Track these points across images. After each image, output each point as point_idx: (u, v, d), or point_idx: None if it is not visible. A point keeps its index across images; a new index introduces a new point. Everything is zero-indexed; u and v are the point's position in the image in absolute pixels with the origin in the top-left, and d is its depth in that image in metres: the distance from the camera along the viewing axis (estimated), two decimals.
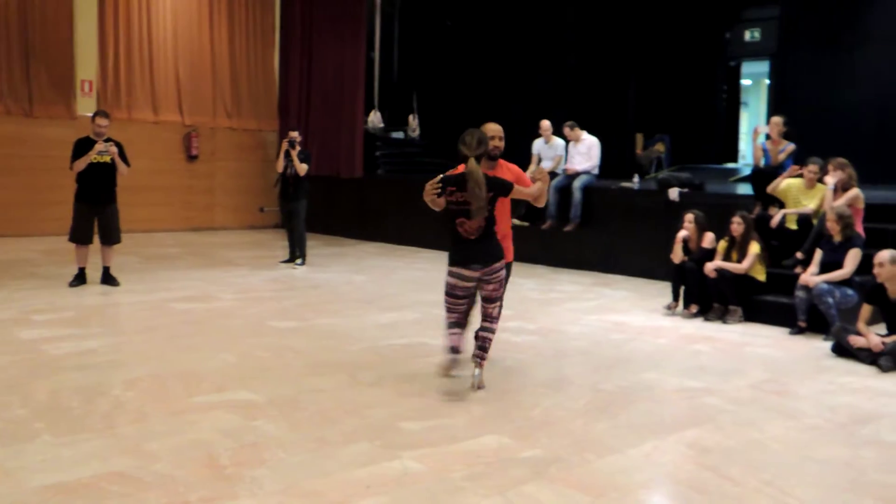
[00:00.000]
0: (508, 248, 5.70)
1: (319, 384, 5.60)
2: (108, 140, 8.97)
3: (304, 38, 16.54)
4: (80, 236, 9.09)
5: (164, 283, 9.53)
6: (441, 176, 5.26)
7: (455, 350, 5.46)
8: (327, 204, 15.49)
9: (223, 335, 7.08)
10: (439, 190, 5.27)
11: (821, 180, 8.54)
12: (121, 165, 9.04)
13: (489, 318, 5.57)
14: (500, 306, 5.71)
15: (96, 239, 9.18)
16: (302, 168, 11.00)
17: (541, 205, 5.87)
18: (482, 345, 5.54)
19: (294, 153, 11.01)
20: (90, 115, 9.54)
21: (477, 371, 5.52)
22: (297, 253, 11.38)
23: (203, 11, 15.83)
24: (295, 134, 11.30)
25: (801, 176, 8.72)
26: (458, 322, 5.51)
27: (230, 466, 4.08)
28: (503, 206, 5.63)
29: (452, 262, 5.40)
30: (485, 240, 5.33)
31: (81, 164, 8.87)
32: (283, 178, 11.22)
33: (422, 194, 5.38)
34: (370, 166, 15.94)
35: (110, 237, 9.19)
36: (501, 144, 5.68)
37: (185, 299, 8.60)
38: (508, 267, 5.70)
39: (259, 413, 4.93)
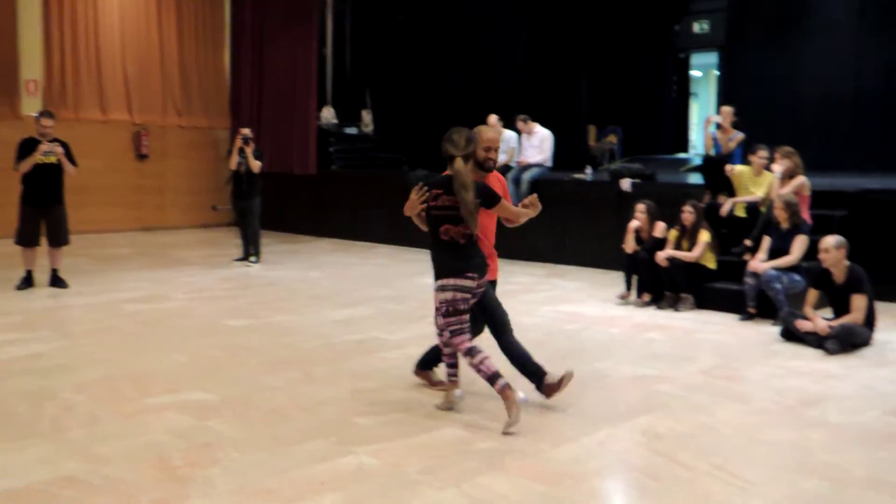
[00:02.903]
0: (493, 267, 5.12)
1: (273, 382, 5.57)
2: (53, 140, 8.80)
3: (255, 35, 16.36)
4: (26, 239, 8.91)
5: (114, 285, 9.39)
6: (422, 183, 4.74)
7: (498, 375, 4.67)
8: (281, 201, 15.37)
9: (175, 335, 7.00)
10: (426, 197, 4.71)
11: (768, 168, 8.69)
12: (67, 166, 8.88)
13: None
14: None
15: (44, 241, 9.00)
16: (256, 165, 10.90)
17: (513, 225, 5.17)
18: (456, 362, 5.01)
19: (248, 150, 10.91)
20: (35, 115, 9.34)
21: (457, 392, 5.05)
22: (251, 251, 11.28)
23: (151, 8, 15.57)
24: (248, 131, 11.21)
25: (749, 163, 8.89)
26: (476, 345, 4.77)
27: (182, 467, 4.04)
28: (489, 221, 5.06)
29: (446, 273, 4.71)
30: (473, 248, 4.75)
31: (26, 165, 8.69)
32: (237, 176, 11.11)
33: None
34: (324, 162, 15.84)
35: (58, 239, 9.03)
36: (496, 156, 4.98)
37: (136, 300, 8.48)
38: (492, 286, 5.17)
39: (212, 413, 4.89)
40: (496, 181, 5.10)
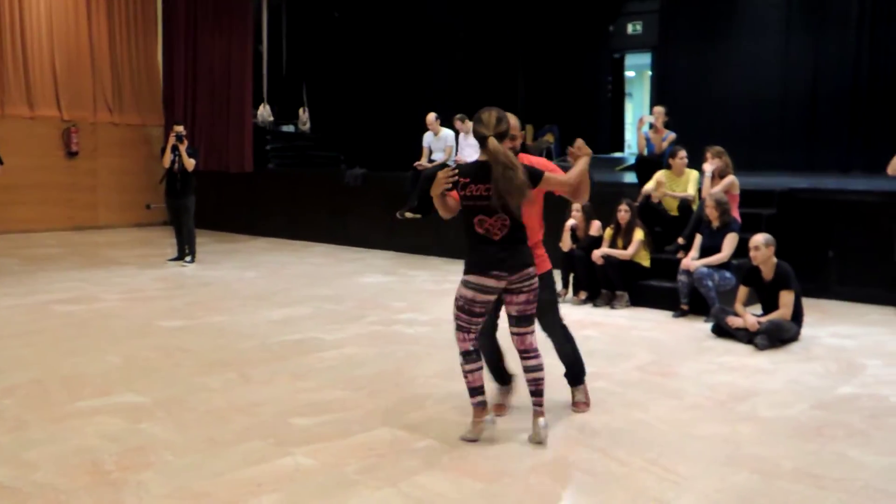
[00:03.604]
0: (542, 257, 4.71)
1: (209, 383, 5.50)
2: None
3: (188, 31, 16.10)
4: None
5: (44, 285, 9.15)
6: (454, 165, 4.39)
7: (479, 391, 4.43)
8: (217, 199, 15.16)
9: (108, 337, 6.86)
10: (453, 182, 4.26)
11: (691, 166, 8.91)
12: None
13: (528, 351, 4.47)
14: (554, 331, 4.95)
15: None
16: (190, 163, 10.74)
17: (582, 199, 4.86)
18: (535, 388, 4.47)
19: (182, 148, 10.74)
20: None
21: (541, 421, 4.41)
22: (186, 250, 11.11)
23: (80, 2, 15.21)
24: (181, 128, 11.03)
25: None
26: (476, 351, 4.43)
27: (115, 472, 3.97)
28: (532, 209, 4.56)
29: (470, 269, 4.33)
30: (512, 243, 4.27)
31: None
32: (170, 174, 10.92)
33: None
34: (260, 160, 15.70)
35: None
36: (517, 143, 4.55)
37: (67, 301, 8.28)
38: (548, 280, 4.74)
39: (145, 416, 4.81)
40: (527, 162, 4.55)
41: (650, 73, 20.45)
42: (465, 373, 4.41)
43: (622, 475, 4.05)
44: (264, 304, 8.35)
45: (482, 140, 4.23)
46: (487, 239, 4.26)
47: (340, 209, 13.59)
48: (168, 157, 10.83)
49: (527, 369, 4.46)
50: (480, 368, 4.42)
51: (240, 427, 4.65)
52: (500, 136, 4.24)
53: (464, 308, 4.35)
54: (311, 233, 13.83)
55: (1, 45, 14.25)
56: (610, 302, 8.39)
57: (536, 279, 4.37)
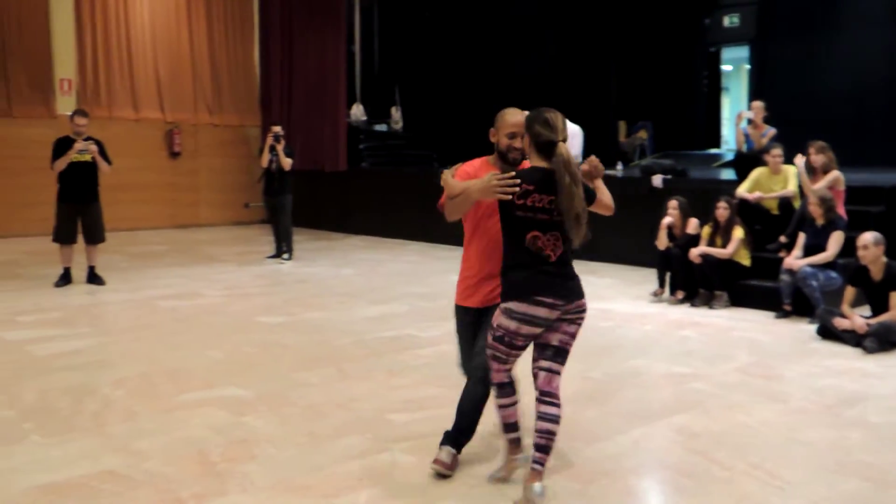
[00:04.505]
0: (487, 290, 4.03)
1: (308, 379, 5.61)
2: (88, 139, 8.91)
3: (283, 33, 16.46)
4: (63, 236, 9.04)
5: (149, 281, 9.50)
6: (514, 172, 3.65)
7: (514, 427, 3.91)
8: (312, 198, 15.45)
9: (210, 332, 7.07)
10: (512, 189, 3.57)
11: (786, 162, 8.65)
12: (102, 164, 9.00)
13: (553, 395, 3.71)
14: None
15: (80, 238, 9.12)
16: (287, 163, 10.97)
17: (610, 212, 3.99)
18: (546, 443, 3.67)
19: (279, 147, 10.98)
20: (69, 114, 9.47)
21: (537, 486, 3.62)
22: (283, 248, 11.36)
23: (181, 7, 15.72)
24: (279, 128, 11.27)
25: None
26: (511, 383, 3.84)
27: (220, 463, 4.09)
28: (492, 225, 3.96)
29: (516, 295, 3.61)
30: (566, 265, 3.69)
31: (62, 163, 8.81)
32: (268, 173, 11.18)
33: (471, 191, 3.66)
34: (354, 159, 15.92)
35: (94, 236, 9.15)
36: (522, 145, 3.80)
37: (171, 297, 8.57)
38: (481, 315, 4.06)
39: (248, 409, 4.93)
40: None
41: (748, 66, 19.90)
42: (500, 407, 3.87)
43: (724, 479, 3.96)
44: (360, 301, 8.47)
45: (549, 146, 3.60)
46: (539, 258, 3.61)
47: (433, 207, 13.62)
48: (266, 156, 11.08)
49: (543, 417, 3.67)
50: (516, 403, 3.87)
51: (338, 422, 4.72)
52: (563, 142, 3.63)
53: (503, 340, 3.68)
54: (405, 231, 13.95)
55: (108, 50, 14.85)
56: (708, 302, 8.20)
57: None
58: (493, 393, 3.89)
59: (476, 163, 4.06)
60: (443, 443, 4.05)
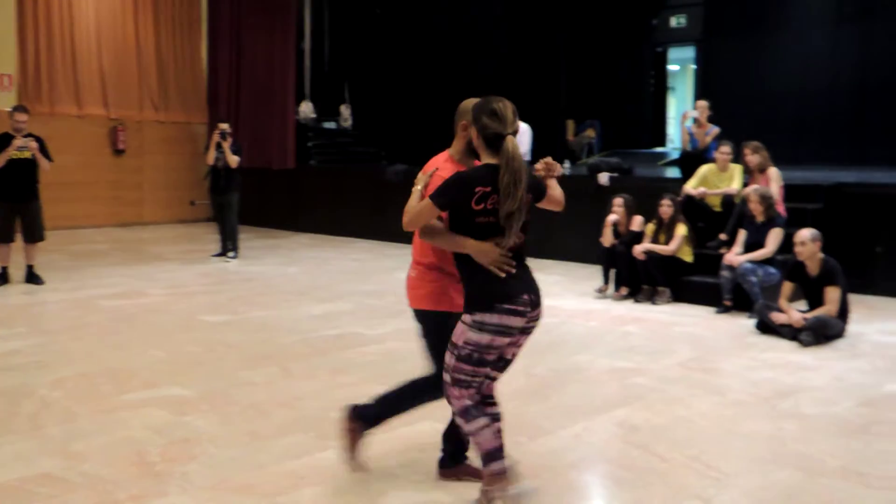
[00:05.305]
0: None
1: (252, 378, 5.56)
2: (28, 135, 8.72)
3: (232, 29, 16.28)
4: (1, 234, 8.83)
5: (91, 280, 9.33)
6: (461, 172, 3.40)
7: (498, 454, 3.47)
8: (260, 196, 15.31)
9: (153, 331, 6.97)
10: (512, 271, 3.35)
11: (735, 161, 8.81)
12: (42, 161, 8.81)
13: (493, 397, 3.64)
14: None
15: (19, 237, 8.92)
16: (234, 160, 10.86)
17: (560, 208, 3.84)
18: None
19: (226, 145, 10.87)
20: (9, 110, 9.25)
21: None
22: (229, 246, 11.25)
23: (127, 2, 15.44)
24: (226, 125, 11.16)
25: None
26: (476, 405, 3.48)
27: (160, 463, 4.04)
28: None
29: (487, 306, 3.33)
30: (525, 266, 3.49)
31: (0, 160, 8.61)
32: (214, 171, 11.06)
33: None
34: (302, 157, 15.81)
35: (33, 234, 8.96)
36: (472, 136, 3.53)
37: (113, 296, 8.43)
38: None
39: (190, 408, 4.88)
40: None
41: (694, 66, 20.22)
42: (473, 433, 3.45)
43: (663, 471, 4.03)
44: (306, 300, 8.42)
45: (496, 139, 3.34)
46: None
47: (381, 205, 13.64)
48: (212, 154, 10.96)
49: (494, 418, 3.53)
50: (488, 425, 3.45)
51: (282, 421, 4.70)
52: (514, 135, 3.36)
53: (471, 358, 3.37)
54: (353, 229, 13.91)
55: (51, 45, 14.52)
56: (651, 297, 8.33)
57: None
58: (460, 423, 3.51)
59: (445, 164, 3.65)
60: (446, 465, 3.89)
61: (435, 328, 3.71)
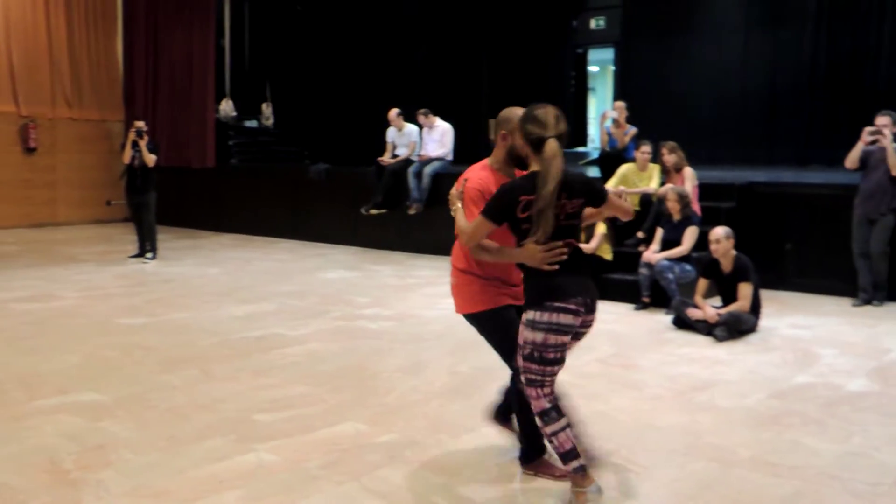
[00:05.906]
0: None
1: (170, 381, 5.46)
2: None
3: (148, 24, 15.92)
4: None
5: (1, 283, 9.00)
6: (506, 184, 3.51)
7: (573, 455, 3.53)
8: (179, 195, 15.01)
9: (67, 335, 6.77)
10: (564, 257, 3.44)
11: (654, 160, 9.02)
12: None
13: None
14: None
15: None
16: (150, 159, 10.63)
17: (627, 219, 4.01)
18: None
19: (142, 143, 10.63)
20: None
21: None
22: (146, 247, 11.00)
23: None
24: (142, 124, 10.92)
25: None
26: (555, 408, 3.56)
27: (74, 471, 3.93)
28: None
29: (538, 303, 3.45)
30: (583, 271, 3.57)
31: None
32: (131, 170, 10.81)
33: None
34: (223, 156, 15.57)
35: None
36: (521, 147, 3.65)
37: (24, 299, 8.16)
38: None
39: (105, 414, 4.76)
40: None
41: (613, 68, 20.57)
42: (549, 437, 3.56)
43: None
44: (227, 301, 8.29)
45: (539, 143, 3.44)
46: (560, 263, 3.45)
47: (304, 205, 13.54)
48: (128, 152, 10.71)
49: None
50: (567, 427, 3.54)
51: (201, 424, 4.62)
52: (560, 139, 3.45)
53: (533, 357, 3.48)
54: (275, 229, 13.76)
55: None
56: None
57: None
58: (539, 424, 3.58)
59: (480, 172, 3.76)
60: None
61: (483, 329, 3.92)
